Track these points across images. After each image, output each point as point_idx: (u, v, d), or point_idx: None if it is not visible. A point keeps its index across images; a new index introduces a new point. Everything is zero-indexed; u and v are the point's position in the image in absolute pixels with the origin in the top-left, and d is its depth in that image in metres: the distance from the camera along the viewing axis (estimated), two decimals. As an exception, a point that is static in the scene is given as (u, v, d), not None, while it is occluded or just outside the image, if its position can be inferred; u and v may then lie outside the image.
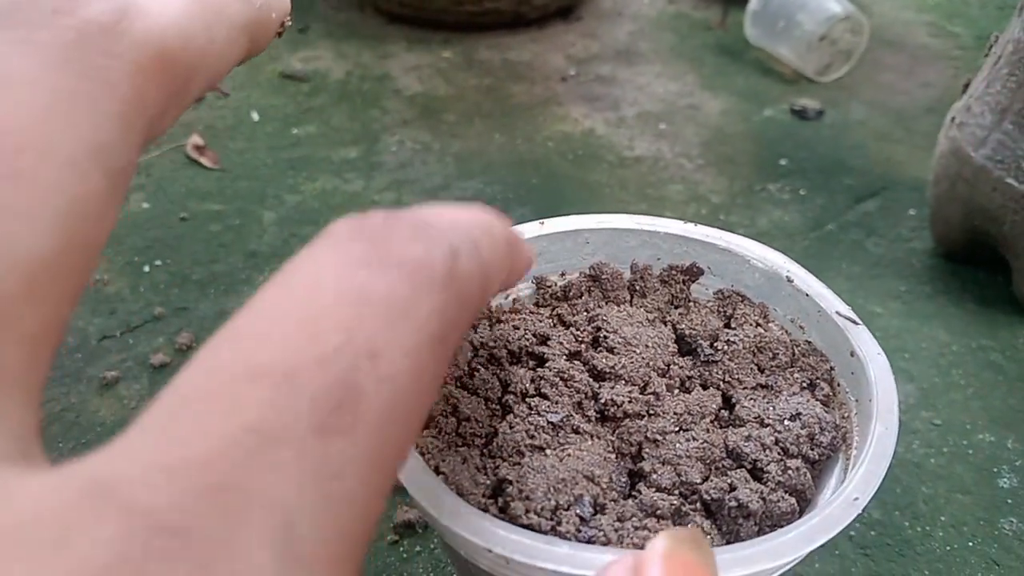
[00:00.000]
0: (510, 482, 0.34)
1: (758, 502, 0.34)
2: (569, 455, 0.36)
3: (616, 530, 0.33)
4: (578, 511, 0.34)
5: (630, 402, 0.38)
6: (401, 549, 0.58)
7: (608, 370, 0.40)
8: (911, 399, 0.71)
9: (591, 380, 0.40)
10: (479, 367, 0.41)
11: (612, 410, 0.38)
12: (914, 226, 0.92)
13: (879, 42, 1.31)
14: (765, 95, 1.17)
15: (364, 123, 1.07)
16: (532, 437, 0.36)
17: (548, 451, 0.36)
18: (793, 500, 0.35)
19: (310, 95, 1.14)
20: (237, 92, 1.13)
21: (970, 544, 0.59)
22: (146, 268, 0.82)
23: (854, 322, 0.40)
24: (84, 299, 0.78)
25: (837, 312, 0.40)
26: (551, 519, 0.33)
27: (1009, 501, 0.62)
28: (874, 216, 0.94)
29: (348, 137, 1.04)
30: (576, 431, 0.37)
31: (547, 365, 0.41)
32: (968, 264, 0.86)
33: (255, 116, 1.08)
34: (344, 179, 0.97)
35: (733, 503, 0.34)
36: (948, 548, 0.59)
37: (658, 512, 0.34)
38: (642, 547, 0.32)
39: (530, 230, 0.44)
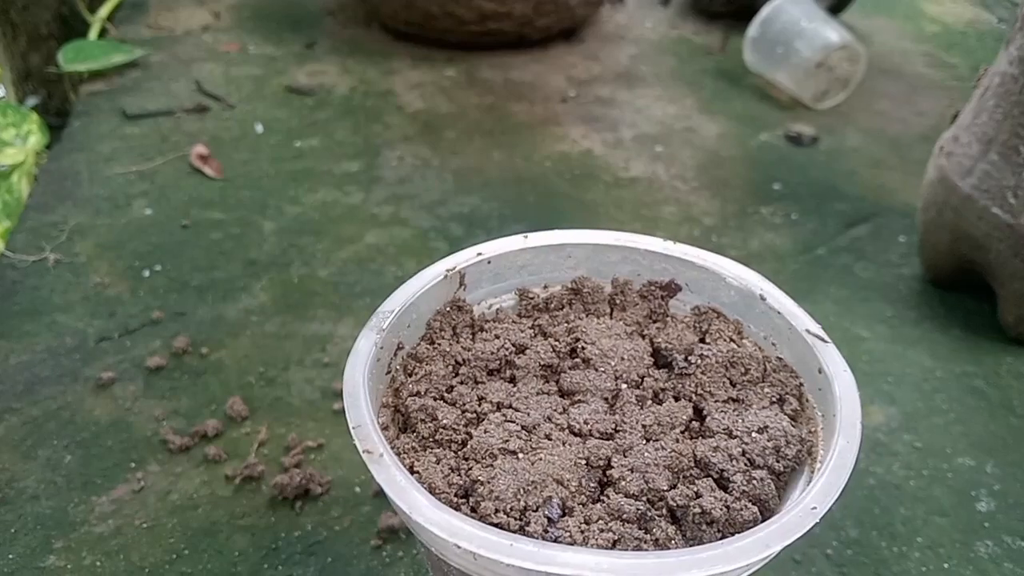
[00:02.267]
0: (482, 483, 0.35)
1: (721, 510, 0.35)
2: (540, 459, 0.37)
3: (582, 532, 0.34)
4: (546, 512, 0.35)
5: (598, 423, 0.39)
6: (384, 554, 0.59)
7: (577, 385, 0.41)
8: (893, 422, 0.72)
9: (560, 398, 0.41)
10: (458, 384, 0.42)
11: (580, 428, 0.39)
12: (903, 252, 0.93)
13: (877, 71, 1.33)
14: (762, 120, 1.19)
15: (366, 137, 1.09)
16: (505, 441, 0.38)
17: (520, 455, 0.37)
18: (756, 509, 0.36)
19: (315, 109, 1.16)
20: (243, 104, 1.15)
21: (945, 566, 0.60)
22: (146, 273, 0.84)
23: (823, 340, 0.41)
24: (83, 301, 0.80)
25: (807, 330, 0.42)
26: (520, 519, 0.34)
27: (986, 524, 0.63)
28: (864, 241, 0.95)
29: (350, 151, 1.06)
30: (548, 437, 0.39)
31: (520, 382, 0.42)
32: (955, 291, 0.87)
33: (259, 128, 1.10)
34: (344, 192, 0.98)
35: (697, 510, 0.35)
36: (923, 569, 0.60)
37: (624, 516, 0.35)
38: (606, 549, 0.33)
39: (514, 244, 0.46)
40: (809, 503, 0.33)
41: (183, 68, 1.24)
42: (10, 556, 0.58)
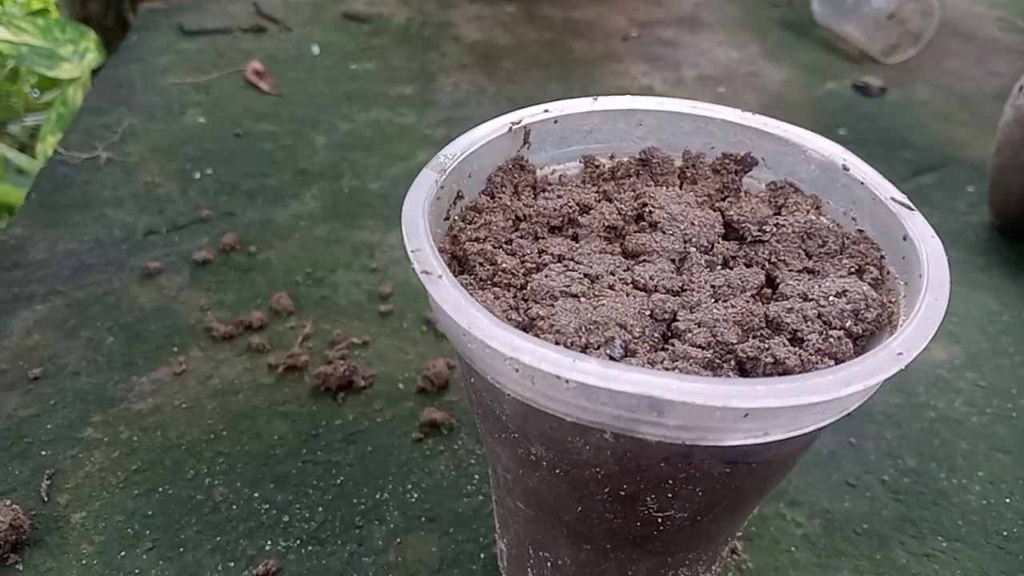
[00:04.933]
0: (542, 318, 0.33)
1: (795, 360, 0.33)
2: (603, 305, 0.35)
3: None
4: (608, 351, 0.33)
5: (664, 280, 0.37)
6: (424, 447, 0.57)
7: (643, 246, 0.39)
8: (956, 360, 0.69)
9: (624, 258, 0.39)
10: (517, 238, 0.40)
11: (644, 283, 0.37)
12: (972, 202, 0.90)
13: (949, 32, 1.28)
14: (828, 70, 1.15)
15: (422, 64, 1.08)
16: (567, 286, 0.36)
17: (582, 299, 0.35)
18: (833, 363, 0.34)
19: (371, 35, 1.14)
20: (300, 28, 1.14)
21: (1007, 500, 0.58)
22: (197, 175, 0.83)
23: (909, 207, 0.39)
24: (133, 198, 0.79)
25: (892, 198, 0.39)
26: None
27: (1052, 463, 0.60)
28: (931, 189, 0.91)
29: (405, 76, 1.05)
30: (611, 288, 0.37)
31: (583, 240, 0.40)
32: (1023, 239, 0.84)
33: (316, 50, 1.09)
34: (398, 112, 0.97)
35: (769, 359, 0.33)
36: (984, 503, 0.57)
37: (691, 360, 0.33)
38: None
39: (582, 105, 0.44)
40: (896, 347, 0.31)
41: (242, -9, 1.23)
42: (48, 426, 0.57)
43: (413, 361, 0.64)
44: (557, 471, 0.35)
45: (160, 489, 0.53)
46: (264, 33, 1.12)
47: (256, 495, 0.53)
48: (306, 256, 0.74)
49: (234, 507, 0.52)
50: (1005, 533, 0.55)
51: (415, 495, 0.54)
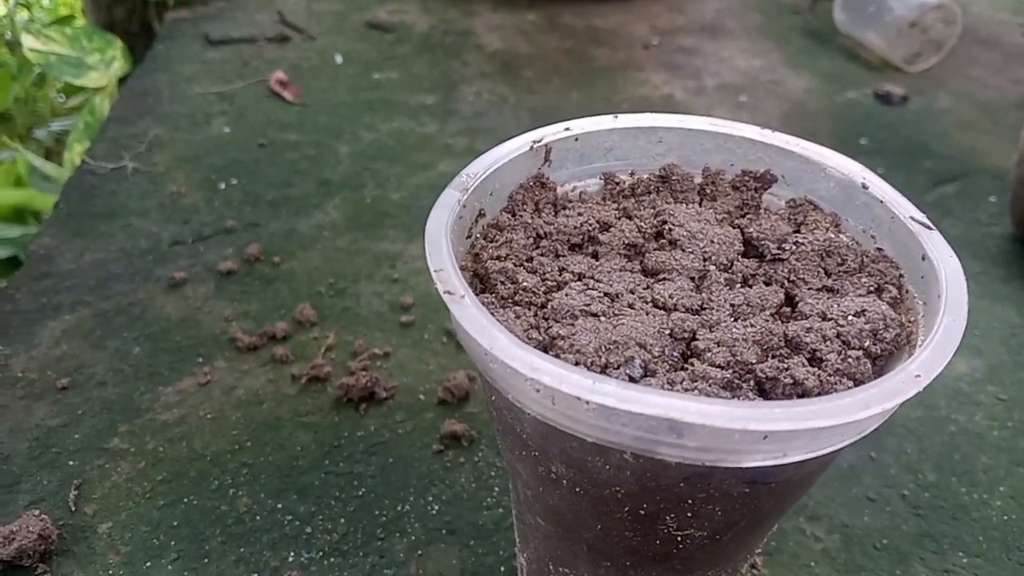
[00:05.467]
0: (562, 337, 0.34)
1: (814, 381, 0.33)
2: (623, 324, 0.35)
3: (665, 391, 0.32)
4: (628, 371, 0.33)
5: (683, 299, 0.38)
6: (445, 459, 0.58)
7: (662, 264, 0.39)
8: (977, 374, 0.69)
9: (644, 276, 0.40)
10: (538, 255, 0.40)
11: (664, 301, 0.37)
12: (993, 212, 0.89)
13: (972, 39, 1.28)
14: (850, 78, 1.15)
15: (444, 73, 1.08)
16: (587, 304, 0.36)
17: (602, 318, 0.36)
18: (851, 384, 0.34)
19: (393, 44, 1.15)
20: (323, 37, 1.15)
21: (1030, 516, 0.57)
22: (222, 185, 0.84)
23: (928, 227, 0.39)
24: (159, 208, 0.80)
25: (911, 217, 0.39)
26: (600, 375, 0.33)
27: (1074, 478, 0.60)
28: (952, 199, 0.91)
29: (427, 84, 1.05)
30: (631, 307, 0.37)
31: (603, 258, 0.40)
32: (1047, 251, 0.84)
33: (339, 59, 1.10)
34: (420, 122, 0.97)
35: (788, 380, 0.33)
36: (1006, 518, 0.57)
37: (710, 381, 0.33)
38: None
39: (603, 123, 0.44)
40: (913, 370, 0.31)
41: (266, 0, 1.24)
42: (76, 436, 0.58)
43: (434, 372, 0.64)
44: (577, 489, 0.35)
45: (185, 500, 0.54)
46: (288, 42, 1.13)
47: (279, 506, 0.54)
48: (329, 266, 0.75)
49: (258, 518, 0.53)
50: (1027, 549, 0.55)
51: (436, 507, 0.55)
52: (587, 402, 0.29)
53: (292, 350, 0.65)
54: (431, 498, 0.55)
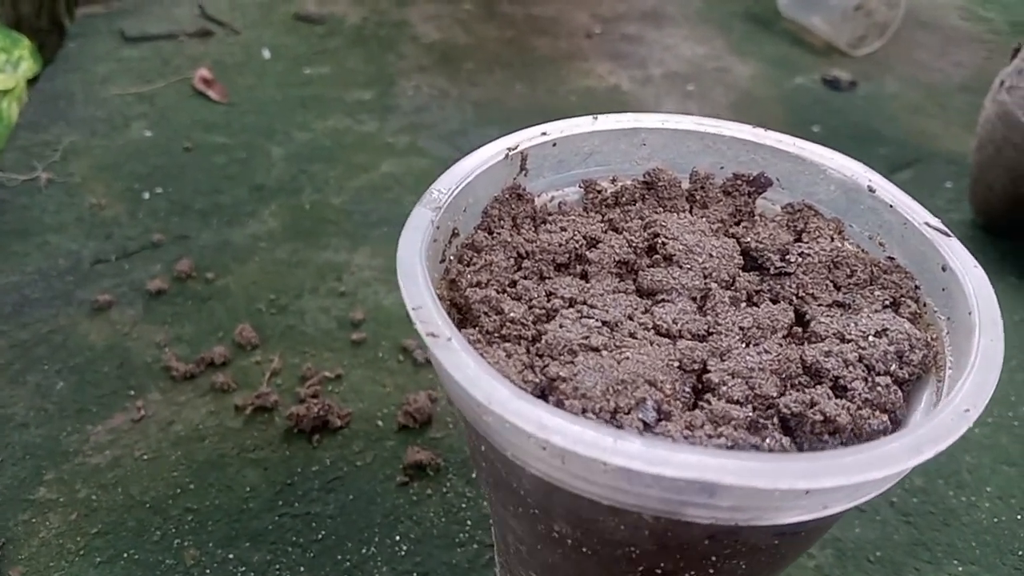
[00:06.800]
0: (563, 379, 0.30)
1: (847, 417, 0.30)
2: (627, 358, 0.31)
3: (686, 437, 0.28)
4: (641, 415, 0.29)
5: (688, 323, 0.34)
6: (411, 491, 0.53)
7: (659, 283, 0.35)
8: (953, 368, 0.67)
9: (640, 297, 0.36)
10: (521, 279, 0.36)
11: (668, 328, 0.33)
12: (951, 198, 0.88)
13: (913, 22, 1.27)
14: (796, 64, 1.13)
15: (380, 67, 1.03)
16: (586, 337, 0.32)
17: (604, 352, 0.31)
18: (885, 418, 0.30)
19: (324, 37, 1.09)
20: (248, 31, 1.09)
21: (1019, 517, 0.55)
22: (146, 195, 0.78)
23: (946, 234, 0.36)
24: (78, 222, 0.74)
25: (926, 223, 0.36)
26: (611, 422, 0.29)
27: (1059, 474, 0.58)
28: (909, 187, 0.87)
29: (362, 79, 1.00)
30: (632, 336, 0.33)
31: (593, 278, 0.36)
32: (1007, 237, 0.82)
33: (266, 54, 1.03)
34: (357, 119, 0.92)
35: (818, 417, 0.30)
36: (996, 520, 0.55)
37: (733, 422, 0.29)
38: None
39: (582, 125, 0.40)
40: (960, 404, 0.28)
41: (185, -7, 1.17)
42: (-5, 486, 0.52)
43: (392, 394, 0.60)
44: (584, 549, 0.31)
45: (125, 554, 0.48)
46: (211, 37, 1.06)
47: (231, 556, 0.49)
48: (268, 281, 0.69)
49: (207, 571, 0.48)
50: (1021, 552, 0.53)
51: (404, 547, 0.50)
52: (605, 463, 0.25)
53: (233, 377, 0.60)
54: (398, 537, 0.51)
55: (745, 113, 0.99)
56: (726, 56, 1.13)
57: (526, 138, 0.39)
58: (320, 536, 0.50)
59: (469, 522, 0.52)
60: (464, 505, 0.53)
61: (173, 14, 1.11)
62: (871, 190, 0.38)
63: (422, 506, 0.52)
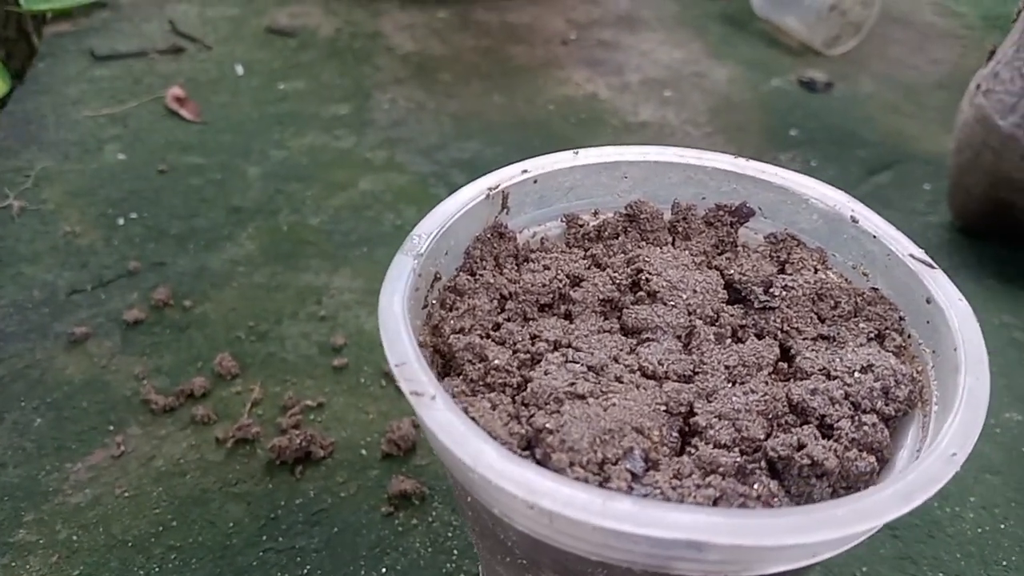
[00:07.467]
0: (550, 431, 0.29)
1: (834, 460, 0.29)
2: (614, 405, 0.31)
3: (675, 488, 0.28)
4: (628, 466, 0.29)
5: (674, 364, 0.33)
6: (396, 522, 0.53)
7: (644, 321, 0.35)
8: (935, 375, 0.67)
9: (624, 336, 0.35)
10: (505, 321, 0.36)
11: (653, 369, 0.33)
12: (929, 200, 0.88)
13: (886, 19, 1.27)
14: (772, 66, 1.13)
15: (355, 80, 1.02)
16: (571, 384, 0.31)
17: (590, 400, 0.31)
18: (872, 459, 0.30)
19: (297, 51, 1.08)
20: (220, 46, 1.07)
21: (1002, 527, 0.55)
22: (120, 221, 0.77)
23: (930, 266, 0.35)
24: (52, 251, 0.73)
25: (911, 255, 0.36)
26: (599, 474, 0.28)
27: (1043, 482, 0.59)
28: (888, 189, 0.90)
29: (338, 93, 0.99)
30: (618, 380, 0.33)
31: (578, 318, 0.36)
32: (986, 239, 0.82)
33: (239, 70, 1.02)
34: (334, 135, 0.91)
35: (805, 461, 0.30)
36: (980, 531, 0.55)
37: (720, 469, 0.29)
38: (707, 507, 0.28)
39: (563, 160, 0.40)
40: (947, 448, 0.28)
41: (155, 8, 1.15)
42: (-26, 530, 0.51)
43: (375, 422, 0.59)
44: (574, 599, 0.31)
45: (107, 599, 0.48)
46: (182, 53, 1.05)
47: (216, 597, 0.48)
48: (247, 307, 0.68)
49: (192, 613, 0.47)
50: (1004, 563, 0.53)
51: (392, 581, 0.49)
52: (595, 526, 0.25)
53: (214, 409, 0.59)
54: (384, 569, 0.50)
55: (724, 118, 0.99)
56: (703, 60, 1.13)
57: (507, 176, 0.38)
58: (306, 571, 0.50)
59: (456, 551, 0.51)
60: (450, 534, 0.52)
61: (143, 30, 1.09)
62: (854, 220, 0.38)
63: (408, 536, 0.52)
